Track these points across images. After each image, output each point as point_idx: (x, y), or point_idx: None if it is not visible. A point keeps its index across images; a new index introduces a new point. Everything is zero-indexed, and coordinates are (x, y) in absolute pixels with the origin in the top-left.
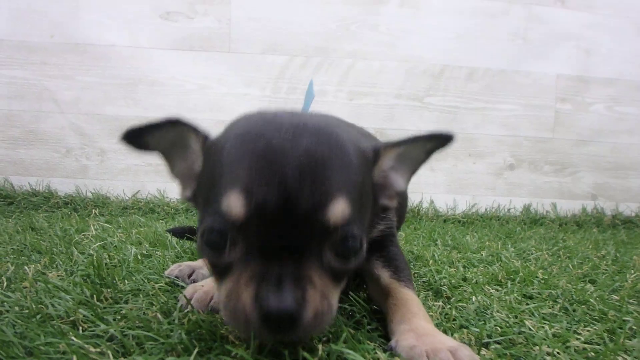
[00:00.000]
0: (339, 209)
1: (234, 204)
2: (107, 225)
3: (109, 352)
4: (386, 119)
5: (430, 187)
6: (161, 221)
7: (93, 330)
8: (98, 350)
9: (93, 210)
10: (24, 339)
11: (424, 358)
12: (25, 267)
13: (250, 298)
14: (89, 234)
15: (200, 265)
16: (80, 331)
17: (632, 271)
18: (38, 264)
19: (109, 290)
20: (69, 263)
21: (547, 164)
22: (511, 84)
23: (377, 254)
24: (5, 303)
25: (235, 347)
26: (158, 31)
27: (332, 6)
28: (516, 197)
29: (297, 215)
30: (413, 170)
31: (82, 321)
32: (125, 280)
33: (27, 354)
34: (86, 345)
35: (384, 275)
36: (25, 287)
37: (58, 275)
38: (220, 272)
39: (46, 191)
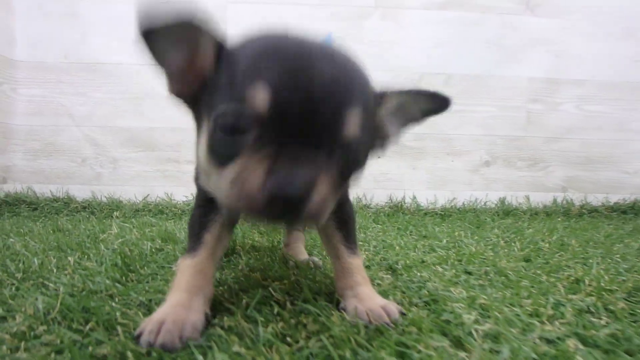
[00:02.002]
0: (356, 120)
1: (259, 92)
2: (125, 224)
3: (140, 312)
4: None
5: (412, 184)
6: (170, 221)
7: (125, 300)
8: (132, 311)
9: (114, 213)
10: (79, 304)
11: (365, 315)
12: (69, 258)
13: (262, 174)
14: (111, 232)
15: (181, 315)
16: (117, 301)
17: (564, 252)
18: (74, 257)
19: (133, 274)
20: (98, 255)
21: (520, 160)
22: (486, 88)
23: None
24: (57, 283)
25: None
26: None
27: (320, 22)
28: (492, 191)
29: (318, 114)
30: (405, 123)
31: (116, 294)
32: (145, 267)
33: (84, 310)
34: (123, 308)
35: (335, 238)
36: (69, 273)
37: (91, 265)
38: (226, 157)
39: (66, 197)
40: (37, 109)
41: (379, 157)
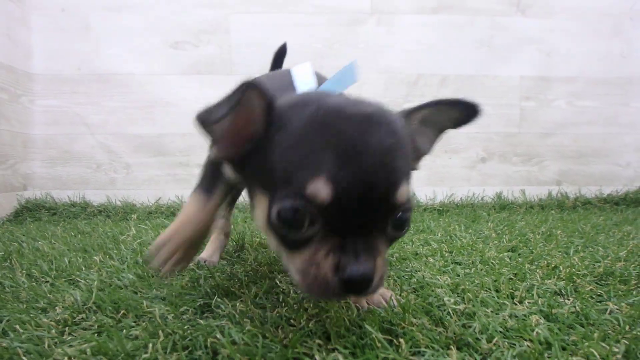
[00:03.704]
0: (404, 190)
1: (322, 188)
2: (141, 226)
3: (162, 305)
4: None
5: (412, 181)
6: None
7: (147, 295)
8: (154, 303)
9: (133, 216)
10: (109, 297)
11: (364, 302)
12: (94, 258)
13: (331, 266)
14: (129, 234)
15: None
16: (140, 295)
17: (549, 242)
18: (98, 257)
19: (153, 270)
20: (120, 255)
21: (515, 156)
22: (480, 87)
23: None
24: (87, 280)
25: (240, 295)
26: (169, 59)
27: (317, 28)
28: (489, 187)
29: (373, 199)
30: (437, 134)
31: (139, 288)
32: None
33: (114, 302)
34: (146, 301)
35: None
36: (97, 271)
37: (114, 263)
38: (294, 245)
39: (82, 202)
40: (53, 119)
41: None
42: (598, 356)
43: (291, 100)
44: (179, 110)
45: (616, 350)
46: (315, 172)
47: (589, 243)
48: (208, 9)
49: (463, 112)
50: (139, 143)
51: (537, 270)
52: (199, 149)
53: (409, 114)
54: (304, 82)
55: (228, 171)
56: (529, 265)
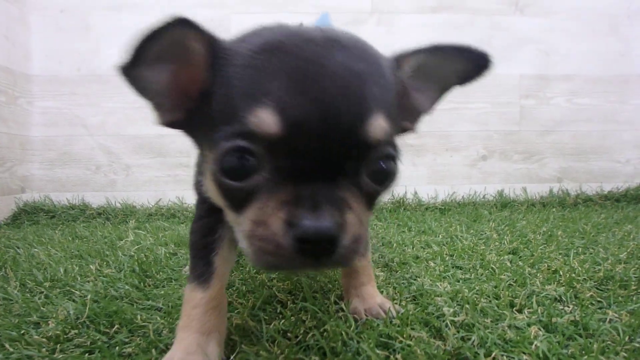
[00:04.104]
0: (379, 124)
1: (267, 119)
2: (140, 231)
3: (157, 316)
4: None
5: (413, 180)
6: (182, 225)
7: (144, 305)
8: (151, 315)
9: (130, 221)
10: (103, 310)
11: (363, 315)
12: (90, 266)
13: (283, 222)
14: (127, 240)
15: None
16: (136, 306)
17: (550, 244)
18: (94, 265)
19: (149, 279)
20: (117, 262)
21: (516, 154)
22: (480, 86)
23: None
24: (82, 290)
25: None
26: None
27: None
28: (490, 184)
29: (336, 132)
30: (440, 90)
31: (135, 299)
32: (160, 272)
33: (108, 315)
34: (142, 313)
35: None
36: (92, 280)
37: (111, 272)
38: (239, 202)
39: (81, 204)
40: (52, 121)
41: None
42: None
43: (242, 34)
44: None
45: None
46: (259, 101)
47: (589, 244)
48: (208, 8)
49: (470, 62)
50: (138, 144)
51: (538, 275)
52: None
53: (400, 58)
54: None
55: (207, 189)
56: (529, 269)
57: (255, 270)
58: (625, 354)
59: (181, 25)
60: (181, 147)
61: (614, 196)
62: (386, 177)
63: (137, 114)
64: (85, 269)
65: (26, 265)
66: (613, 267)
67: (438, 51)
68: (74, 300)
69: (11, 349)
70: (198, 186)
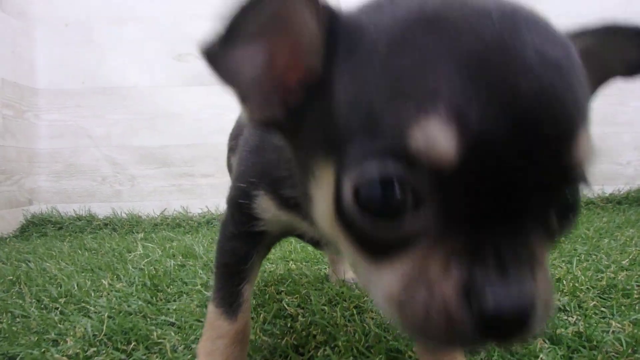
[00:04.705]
0: (587, 141)
1: (439, 137)
2: (147, 244)
3: (172, 332)
4: None
5: None
6: (187, 235)
7: (157, 321)
8: (165, 331)
9: (137, 232)
10: (119, 327)
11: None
12: (102, 281)
13: (457, 287)
14: (136, 253)
15: None
16: (150, 322)
17: (553, 251)
18: (106, 280)
19: (161, 293)
20: (127, 275)
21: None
22: None
23: None
24: (97, 306)
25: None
26: (172, 71)
27: None
28: None
29: (535, 156)
30: (600, 81)
31: (148, 314)
32: (171, 286)
33: (124, 332)
34: (157, 329)
35: None
36: (105, 295)
37: (123, 286)
38: (383, 249)
39: (88, 215)
40: (58, 133)
41: None
42: None
43: (370, 3)
44: (183, 121)
45: None
46: (424, 104)
47: (592, 250)
48: (211, 20)
49: None
50: (143, 155)
51: None
52: (203, 158)
53: (571, 37)
54: None
55: (263, 209)
56: None
57: (264, 283)
58: None
59: None
60: (185, 157)
61: (616, 199)
62: (572, 211)
63: (142, 125)
64: (97, 284)
65: (40, 281)
66: (616, 274)
67: (612, 32)
68: (89, 317)
69: None
70: (234, 198)
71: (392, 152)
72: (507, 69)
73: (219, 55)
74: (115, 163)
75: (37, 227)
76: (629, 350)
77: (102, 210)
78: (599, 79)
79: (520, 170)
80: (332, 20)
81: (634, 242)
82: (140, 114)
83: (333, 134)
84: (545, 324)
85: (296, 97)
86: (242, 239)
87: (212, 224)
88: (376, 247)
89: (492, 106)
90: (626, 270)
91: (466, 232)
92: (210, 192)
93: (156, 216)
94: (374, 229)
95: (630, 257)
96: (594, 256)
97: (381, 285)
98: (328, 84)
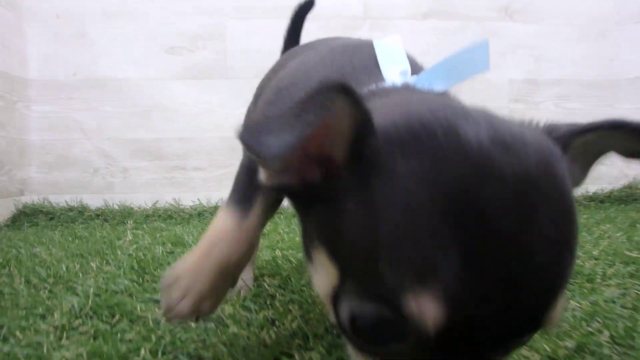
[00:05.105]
0: (560, 307)
1: (431, 312)
2: (138, 231)
3: (156, 308)
4: None
5: None
6: (178, 225)
7: (143, 298)
8: (149, 307)
9: (128, 222)
10: (105, 302)
11: None
12: (91, 264)
13: None
14: (126, 239)
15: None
16: (135, 299)
17: None
18: (95, 263)
19: (147, 275)
20: (116, 260)
21: None
22: (471, 90)
23: None
24: (85, 285)
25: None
26: (165, 64)
27: (312, 35)
28: None
29: (510, 326)
30: (596, 159)
31: (135, 293)
32: (158, 269)
33: (109, 307)
34: (141, 305)
35: None
36: (93, 277)
37: (111, 269)
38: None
39: (80, 206)
40: (50, 125)
41: None
42: (549, 350)
43: (402, 117)
44: (176, 114)
45: (568, 345)
46: (424, 280)
47: None
48: (204, 15)
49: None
50: (135, 147)
51: None
52: (196, 152)
53: (570, 138)
54: (393, 64)
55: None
56: None
57: None
58: (578, 337)
59: (339, 91)
60: (178, 151)
61: (599, 197)
62: (519, 346)
63: (134, 118)
64: (86, 267)
65: (29, 264)
66: (584, 263)
67: (613, 129)
68: (77, 294)
69: (21, 336)
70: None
71: (389, 303)
72: (509, 253)
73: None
74: (107, 156)
75: (29, 217)
76: (583, 324)
77: (94, 201)
78: (596, 157)
79: (496, 333)
80: (366, 126)
81: (607, 235)
82: (133, 107)
83: (339, 245)
84: None
85: (315, 176)
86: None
87: (203, 216)
88: (366, 353)
89: (483, 289)
90: (595, 259)
91: None
92: (202, 185)
93: (148, 208)
94: (364, 346)
95: (600, 248)
96: None
97: None
98: (344, 185)
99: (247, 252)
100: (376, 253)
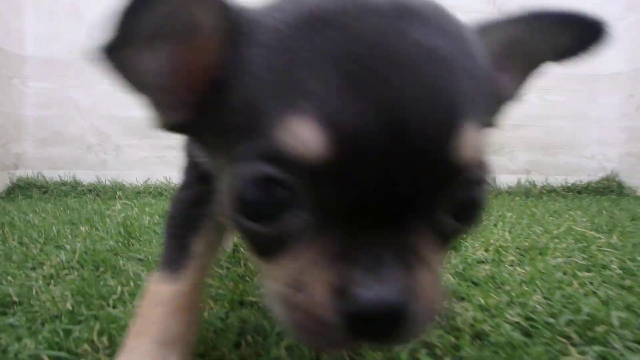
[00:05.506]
0: (472, 139)
1: (306, 135)
2: (127, 203)
3: (138, 264)
4: None
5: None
6: (168, 201)
7: (127, 256)
8: (132, 263)
9: (117, 192)
10: (91, 258)
11: None
12: (81, 228)
13: (329, 288)
14: (115, 209)
15: None
16: (119, 257)
17: (498, 223)
18: (84, 228)
19: (133, 239)
20: (105, 227)
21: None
22: None
23: None
24: (73, 245)
25: None
26: None
27: None
28: None
29: (410, 154)
30: (530, 68)
31: (119, 252)
32: (144, 235)
33: (95, 262)
34: (125, 261)
35: None
36: (82, 239)
37: (99, 234)
38: (266, 249)
39: (73, 181)
40: (45, 101)
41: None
42: (482, 301)
43: (272, 4)
44: None
45: (502, 300)
46: (293, 105)
47: (533, 223)
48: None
49: (578, 34)
50: (129, 126)
51: (476, 244)
52: None
53: (488, 29)
54: None
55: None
56: (470, 241)
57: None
58: (515, 295)
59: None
60: None
61: (577, 188)
62: (472, 210)
63: (128, 97)
64: (76, 232)
65: (22, 228)
66: (540, 239)
67: (537, 20)
68: (65, 250)
69: (13, 280)
70: (188, 148)
71: (266, 153)
72: (382, 65)
73: (116, 56)
74: (101, 133)
75: (23, 190)
76: (523, 287)
77: (87, 177)
78: (528, 66)
79: (394, 168)
80: (230, 15)
81: (572, 219)
82: None
83: (224, 133)
84: (430, 324)
85: (203, 97)
86: (193, 189)
87: None
88: (262, 248)
89: (363, 103)
90: (553, 237)
91: (343, 232)
92: None
93: (139, 184)
94: (255, 227)
95: (561, 229)
96: (533, 228)
97: (268, 283)
98: (226, 79)
99: (190, 315)
100: (254, 107)
